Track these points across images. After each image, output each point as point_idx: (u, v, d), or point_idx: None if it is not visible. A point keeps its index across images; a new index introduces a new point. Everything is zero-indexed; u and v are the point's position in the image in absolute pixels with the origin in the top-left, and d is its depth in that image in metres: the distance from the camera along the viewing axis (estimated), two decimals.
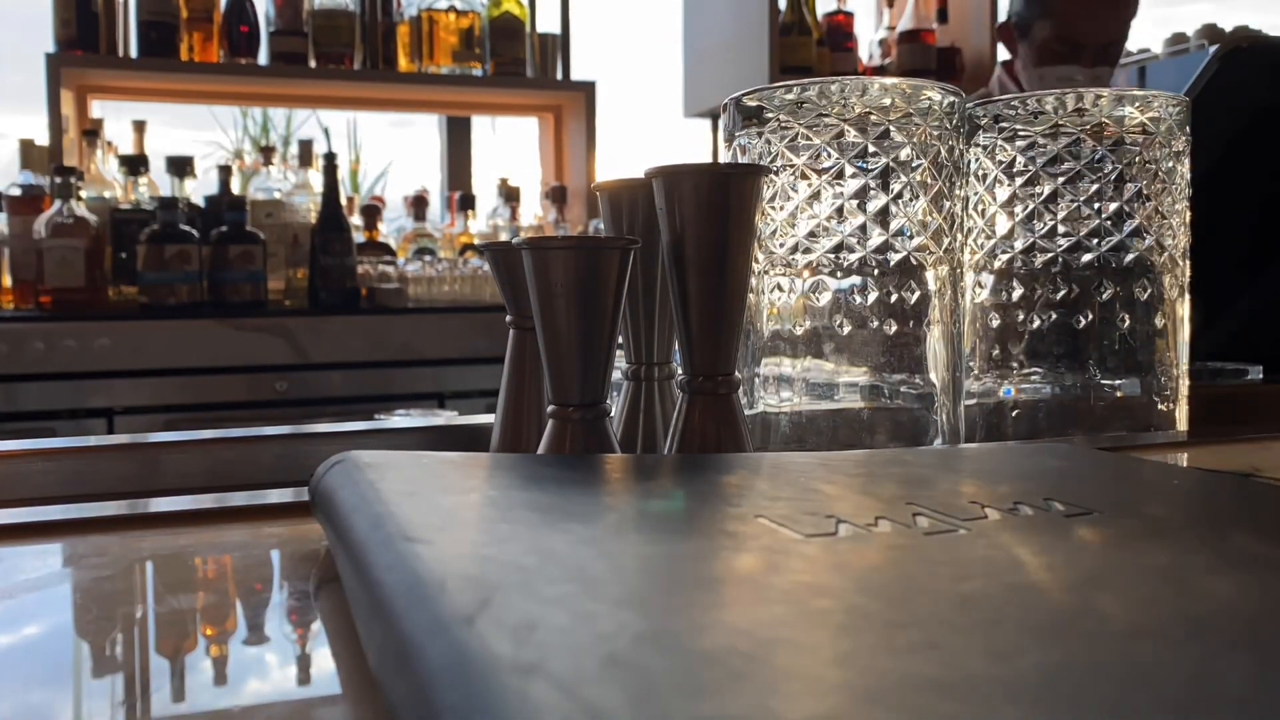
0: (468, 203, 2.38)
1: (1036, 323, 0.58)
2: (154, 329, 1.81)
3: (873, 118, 0.49)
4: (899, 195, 0.49)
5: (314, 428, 0.65)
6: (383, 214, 2.31)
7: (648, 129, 2.93)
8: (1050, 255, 0.58)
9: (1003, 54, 1.97)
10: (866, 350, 0.50)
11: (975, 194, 0.59)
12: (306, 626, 0.29)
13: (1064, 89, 0.58)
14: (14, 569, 0.34)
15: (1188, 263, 0.60)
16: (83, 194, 1.90)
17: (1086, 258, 0.58)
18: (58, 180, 1.84)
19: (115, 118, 2.25)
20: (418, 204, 2.37)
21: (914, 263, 0.50)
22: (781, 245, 0.51)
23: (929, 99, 0.50)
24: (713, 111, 2.61)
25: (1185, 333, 0.60)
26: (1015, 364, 0.59)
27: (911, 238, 0.50)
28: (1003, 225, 0.59)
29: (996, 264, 0.59)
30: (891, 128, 0.49)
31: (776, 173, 0.50)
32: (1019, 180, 0.58)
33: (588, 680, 0.17)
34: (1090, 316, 0.58)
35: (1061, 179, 0.57)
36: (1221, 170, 0.84)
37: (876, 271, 0.50)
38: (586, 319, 0.39)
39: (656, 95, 2.83)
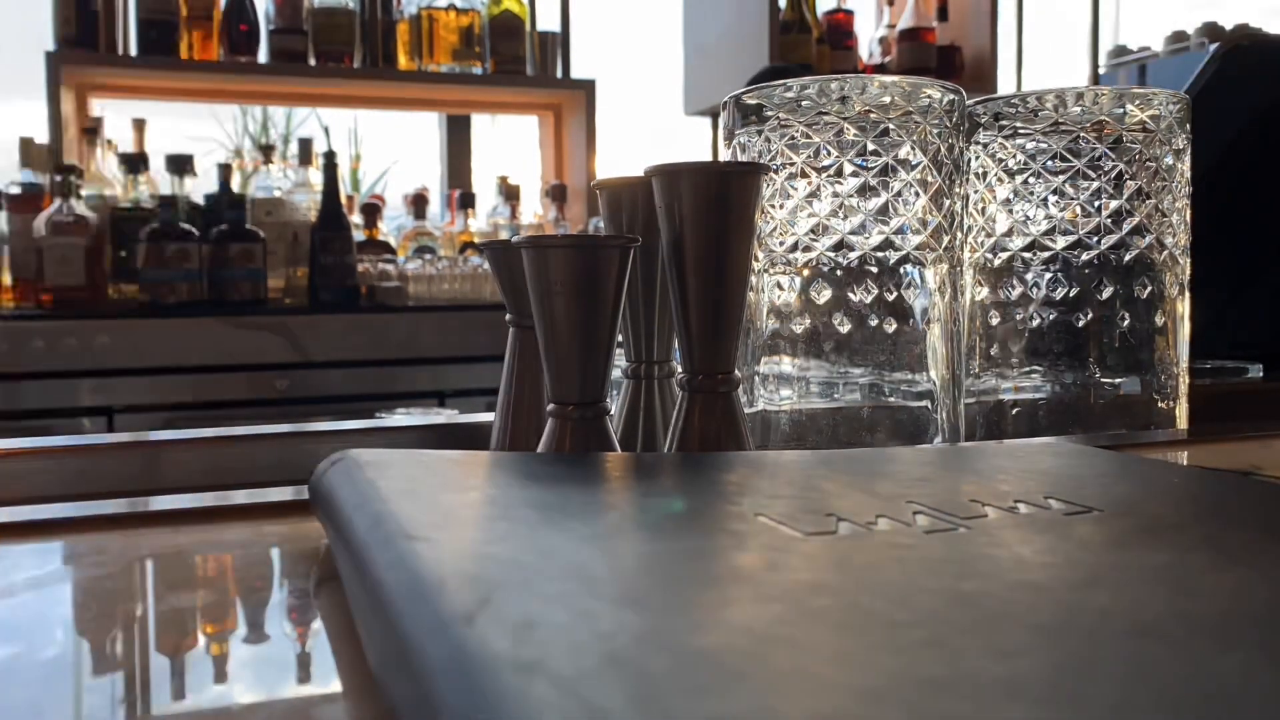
0: (468, 201, 2.38)
1: (1036, 321, 0.58)
2: (154, 327, 1.81)
3: (872, 116, 0.49)
4: (899, 193, 0.49)
5: (314, 426, 0.65)
6: (383, 212, 2.31)
7: (648, 127, 2.93)
8: (1050, 253, 0.58)
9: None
10: (866, 348, 0.50)
11: (975, 192, 0.59)
12: (306, 625, 0.29)
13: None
14: (14, 567, 0.34)
15: (1188, 260, 0.60)
16: (83, 192, 1.90)
17: (1086, 255, 0.57)
18: (58, 179, 1.84)
19: (115, 116, 2.25)
20: (418, 202, 2.37)
21: (914, 261, 0.50)
22: (781, 243, 0.51)
23: (929, 97, 0.50)
24: (713, 109, 2.61)
25: (1185, 331, 0.60)
26: (1015, 362, 0.59)
27: (911, 236, 0.50)
28: (1003, 223, 0.59)
29: (996, 262, 0.59)
30: (891, 126, 0.49)
31: (776, 171, 0.50)
32: (1019, 178, 0.58)
33: (588, 678, 0.17)
34: (1090, 314, 0.58)
35: (1062, 177, 0.57)
36: (1222, 168, 0.84)
37: (876, 269, 0.50)
38: (586, 317, 0.39)
39: (656, 93, 2.83)
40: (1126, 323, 0.58)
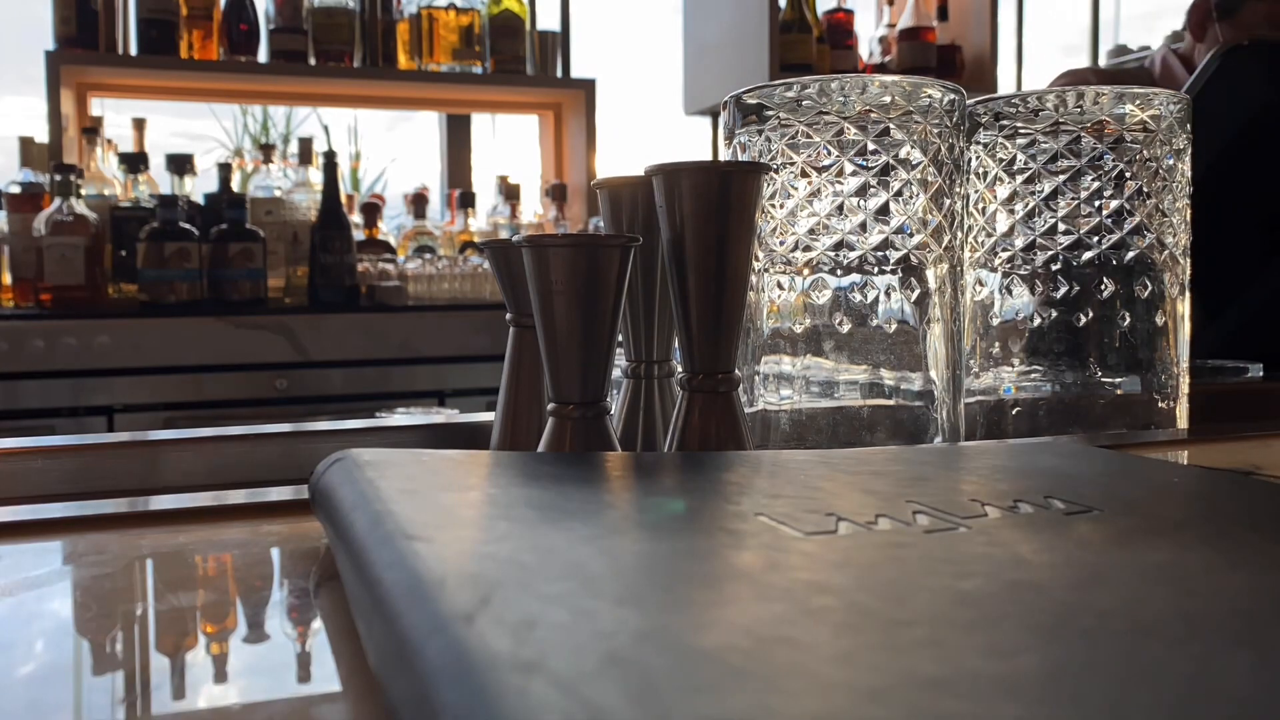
0: (468, 200, 2.38)
1: (1037, 320, 0.58)
2: (154, 327, 1.81)
3: (873, 115, 0.49)
4: (899, 193, 0.49)
5: (314, 426, 0.65)
6: (382, 211, 2.31)
7: (648, 127, 2.93)
8: (1051, 253, 0.58)
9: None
10: (866, 348, 0.50)
11: (976, 191, 0.59)
12: (306, 624, 0.29)
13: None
14: (14, 567, 0.34)
15: (1188, 260, 0.60)
16: (82, 192, 1.90)
17: (1087, 255, 0.57)
18: (57, 178, 1.84)
19: (115, 116, 2.25)
20: (418, 201, 2.37)
21: (914, 260, 0.50)
22: (781, 243, 0.51)
23: (929, 97, 0.50)
24: (713, 109, 2.61)
25: (1185, 330, 0.60)
26: (1015, 361, 0.59)
27: (912, 235, 0.50)
28: (1003, 223, 0.59)
29: (997, 261, 0.59)
30: (891, 125, 0.49)
31: (776, 170, 0.50)
32: (1019, 178, 0.58)
33: (587, 678, 0.17)
34: (1091, 314, 0.58)
35: (1062, 176, 0.57)
36: (1222, 168, 0.84)
37: (876, 269, 0.50)
38: (586, 317, 0.39)
39: (656, 93, 2.83)
40: (1126, 322, 0.58)
